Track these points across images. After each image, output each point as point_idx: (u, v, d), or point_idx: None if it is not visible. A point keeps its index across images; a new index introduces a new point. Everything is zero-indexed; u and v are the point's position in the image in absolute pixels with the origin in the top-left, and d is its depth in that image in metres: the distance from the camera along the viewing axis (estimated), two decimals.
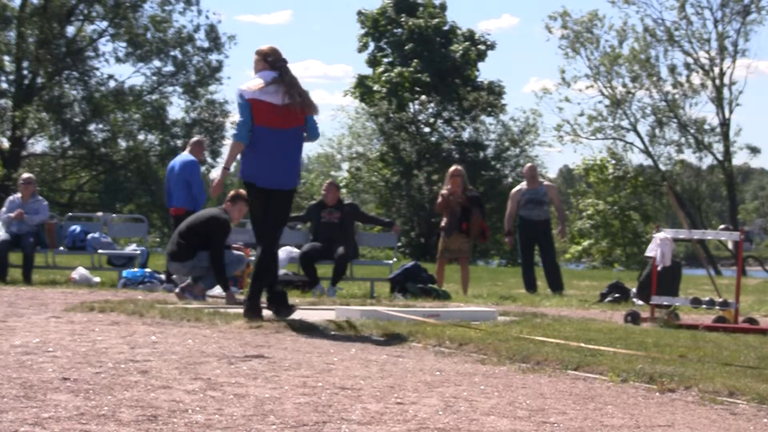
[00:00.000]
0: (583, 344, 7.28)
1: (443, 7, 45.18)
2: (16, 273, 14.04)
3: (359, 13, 45.38)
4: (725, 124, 40.66)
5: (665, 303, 10.63)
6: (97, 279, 14.07)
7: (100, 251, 14.61)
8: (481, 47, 44.48)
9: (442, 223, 14.29)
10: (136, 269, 13.71)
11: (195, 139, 14.02)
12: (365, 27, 45.19)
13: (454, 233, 14.03)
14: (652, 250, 10.41)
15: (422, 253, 35.84)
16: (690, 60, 40.71)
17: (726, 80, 40.37)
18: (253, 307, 8.52)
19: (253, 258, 14.47)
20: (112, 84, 41.10)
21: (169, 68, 41.54)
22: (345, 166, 45.93)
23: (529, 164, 15.90)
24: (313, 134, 8.82)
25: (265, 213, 8.64)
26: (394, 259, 15.25)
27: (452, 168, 14.49)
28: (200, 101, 42.04)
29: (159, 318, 8.75)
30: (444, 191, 14.17)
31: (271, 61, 8.59)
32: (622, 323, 9.81)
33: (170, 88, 41.94)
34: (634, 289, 13.34)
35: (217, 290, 12.49)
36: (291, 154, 8.63)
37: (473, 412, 5.02)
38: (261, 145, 8.50)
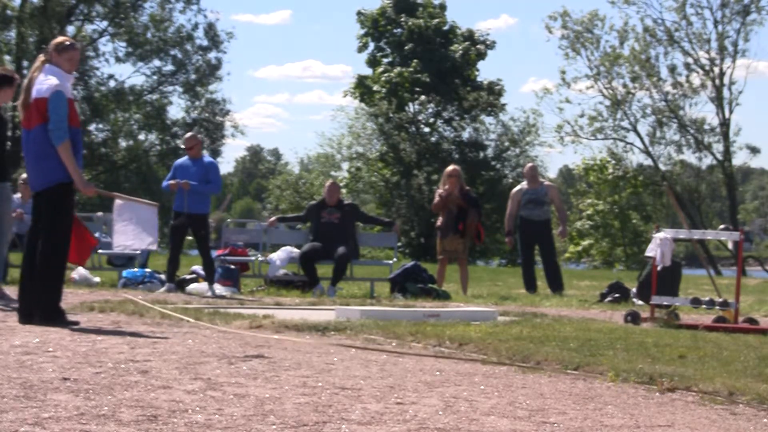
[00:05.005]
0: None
1: (443, 7, 45.17)
2: (16, 273, 14.00)
3: (359, 13, 45.38)
4: (725, 124, 40.66)
5: (665, 303, 10.63)
6: (97, 279, 14.06)
7: (100, 251, 14.60)
8: (481, 47, 44.48)
9: (438, 223, 14.27)
10: (136, 269, 13.70)
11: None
12: (365, 27, 45.17)
13: (449, 234, 14.00)
14: (652, 250, 10.41)
15: (422, 253, 35.83)
16: (690, 60, 40.73)
17: (726, 80, 40.39)
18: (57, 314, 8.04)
19: (252, 258, 14.54)
20: (112, 84, 41.17)
21: (169, 67, 41.57)
22: (345, 166, 46.01)
23: (529, 164, 15.86)
24: None
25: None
26: (394, 259, 15.23)
27: (449, 168, 14.44)
28: (200, 101, 42.06)
29: (159, 318, 8.76)
30: (441, 191, 14.14)
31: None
32: (622, 323, 9.81)
33: (170, 88, 41.99)
34: (634, 289, 13.34)
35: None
36: None
37: (473, 412, 5.02)
38: (75, 146, 8.06)
